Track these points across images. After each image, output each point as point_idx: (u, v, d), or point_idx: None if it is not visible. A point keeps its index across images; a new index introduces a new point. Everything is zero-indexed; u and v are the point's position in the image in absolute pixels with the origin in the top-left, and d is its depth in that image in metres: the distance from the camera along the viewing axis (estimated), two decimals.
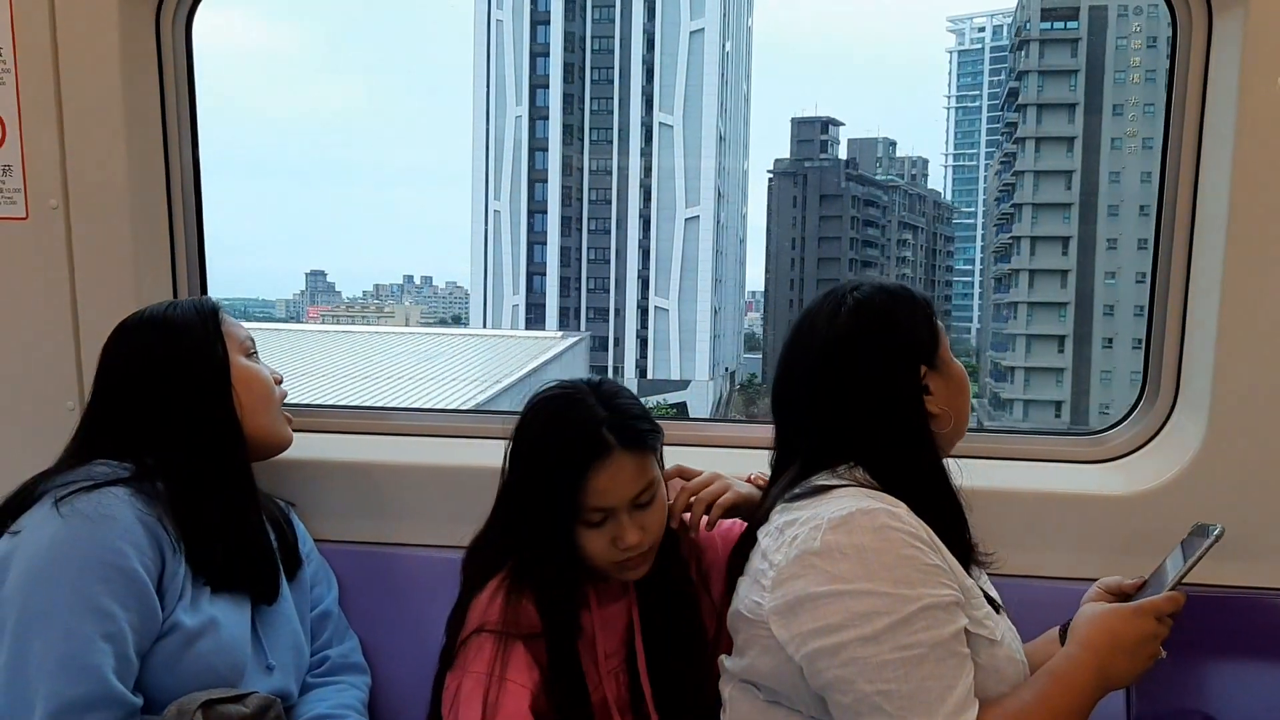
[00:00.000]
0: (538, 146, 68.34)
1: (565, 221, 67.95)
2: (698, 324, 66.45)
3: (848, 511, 1.52)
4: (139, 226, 2.32)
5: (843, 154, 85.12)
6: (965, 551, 1.63)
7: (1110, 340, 61.09)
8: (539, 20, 68.17)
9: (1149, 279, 2.25)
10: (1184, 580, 1.60)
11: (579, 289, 67.80)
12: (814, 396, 1.67)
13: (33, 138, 2.26)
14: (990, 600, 1.62)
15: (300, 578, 2.04)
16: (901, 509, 1.54)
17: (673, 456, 1.99)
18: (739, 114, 73.85)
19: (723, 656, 1.71)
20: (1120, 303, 61.12)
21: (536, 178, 68.37)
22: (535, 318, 67.62)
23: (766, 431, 1.93)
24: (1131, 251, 61.47)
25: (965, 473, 1.91)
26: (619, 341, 66.59)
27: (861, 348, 1.64)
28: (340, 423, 2.51)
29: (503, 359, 29.81)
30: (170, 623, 1.73)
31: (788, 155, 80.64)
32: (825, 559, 1.49)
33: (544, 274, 68.39)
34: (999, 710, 1.48)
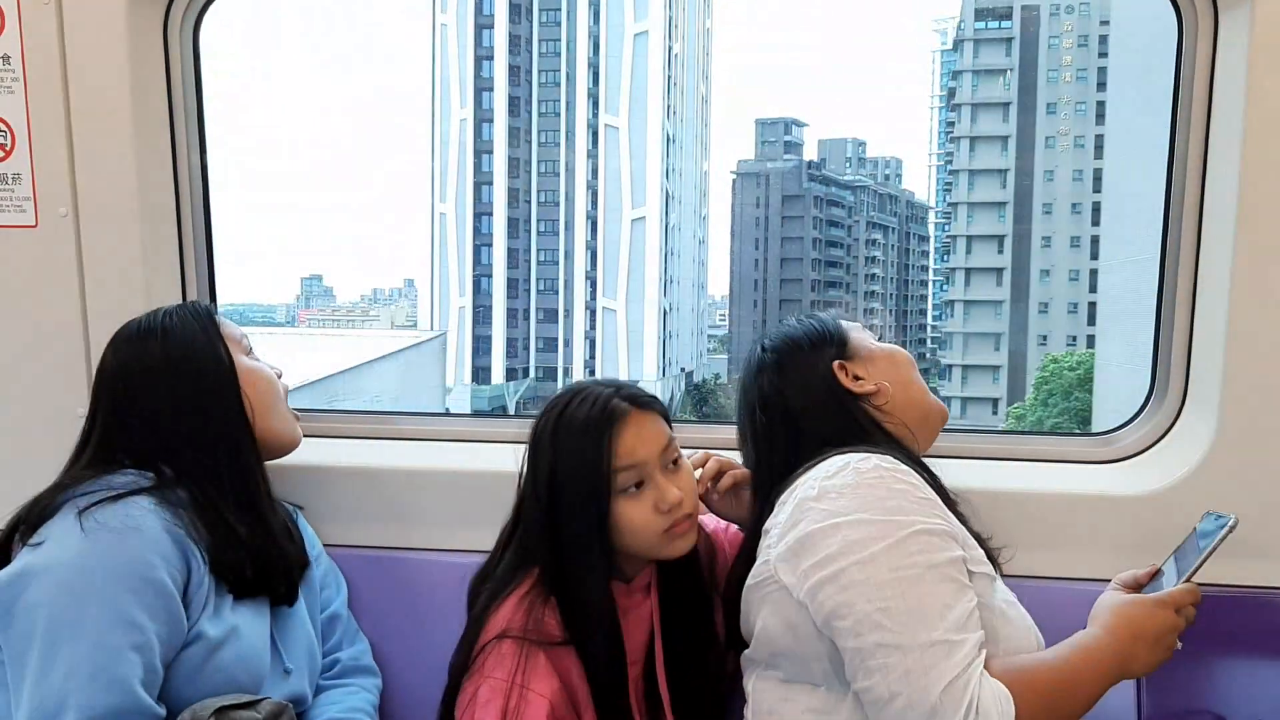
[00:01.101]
0: (484, 149, 67.99)
1: (513, 223, 67.68)
2: (645, 325, 66.46)
3: (843, 462, 1.60)
4: (148, 233, 2.31)
5: (814, 155, 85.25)
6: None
7: (1045, 338, 61.77)
8: (484, 24, 67.85)
9: (1157, 278, 2.23)
10: (1198, 573, 1.61)
11: (528, 290, 67.56)
12: (775, 447, 1.80)
13: (42, 145, 2.25)
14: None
15: (309, 579, 2.04)
16: (894, 459, 1.61)
17: None
18: (697, 115, 73.88)
19: (745, 653, 1.74)
20: (1055, 300, 61.82)
21: (482, 180, 68.04)
22: (482, 319, 67.25)
23: None
24: (1065, 249, 62.22)
25: (976, 475, 1.95)
26: (568, 342, 66.44)
27: (782, 389, 1.80)
28: (349, 427, 2.51)
29: (335, 358, 30.11)
30: (194, 632, 1.72)
31: (752, 157, 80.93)
32: (822, 500, 1.56)
33: (491, 276, 68.10)
34: (1021, 662, 1.51)
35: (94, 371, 2.29)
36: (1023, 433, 2.42)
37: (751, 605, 1.68)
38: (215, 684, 1.73)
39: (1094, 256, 60.24)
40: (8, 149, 2.25)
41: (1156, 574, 1.70)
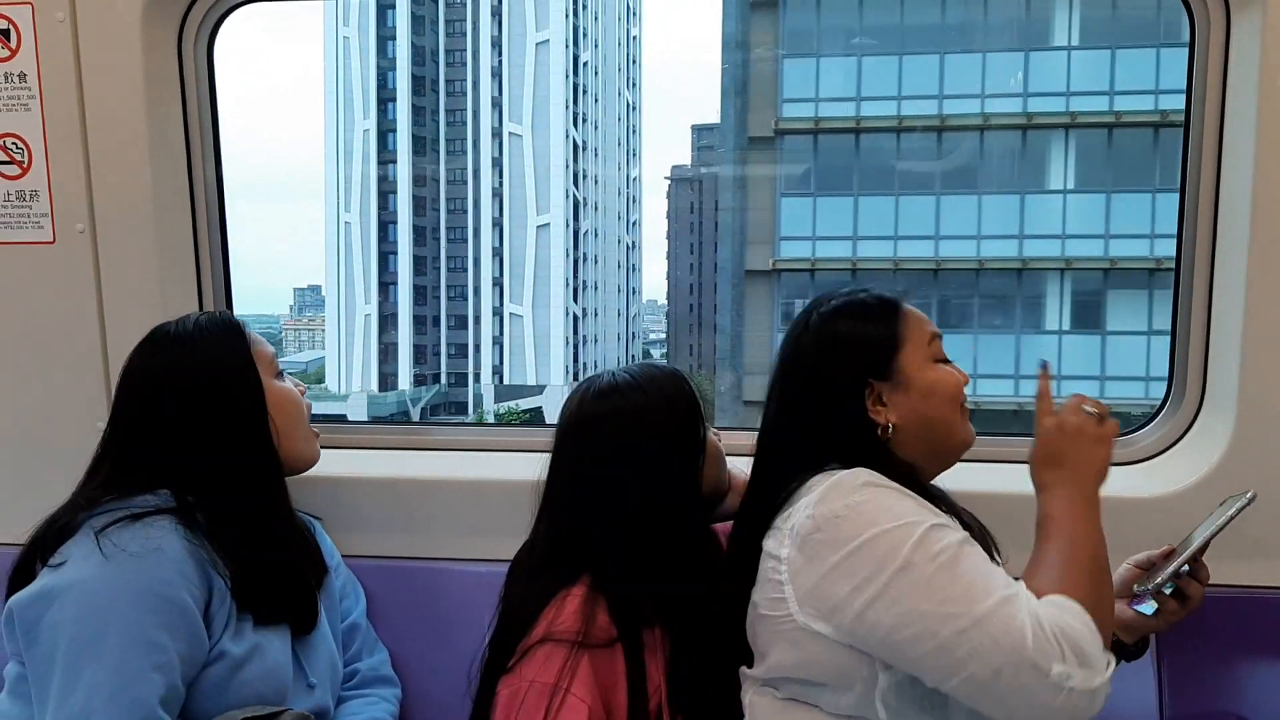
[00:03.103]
0: (388, 159, 66.98)
1: (420, 231, 66.71)
2: (551, 329, 66.00)
3: (828, 484, 1.59)
4: (165, 247, 2.28)
5: None
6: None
7: None
8: (387, 36, 66.91)
9: (1173, 279, 2.20)
10: (1210, 546, 1.64)
11: (437, 297, 66.66)
12: (776, 409, 1.78)
13: (58, 162, 2.22)
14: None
15: (329, 589, 2.03)
16: (880, 475, 1.61)
17: None
18: (619, 122, 73.39)
19: (743, 667, 1.74)
20: None
21: (388, 189, 66.99)
22: (390, 326, 66.16)
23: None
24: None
25: (992, 478, 1.96)
26: (479, 348, 65.69)
27: (807, 367, 1.74)
28: (368, 438, 2.50)
29: None
30: (217, 651, 1.72)
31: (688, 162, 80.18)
32: (826, 530, 1.54)
33: (397, 283, 67.06)
34: (1030, 575, 1.53)
35: (112, 386, 2.27)
36: None
37: (761, 633, 1.67)
38: (239, 701, 1.73)
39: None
40: (24, 166, 2.21)
41: (1170, 552, 1.72)
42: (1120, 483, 2.12)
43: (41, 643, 1.64)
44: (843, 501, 1.55)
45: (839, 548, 1.52)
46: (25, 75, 2.19)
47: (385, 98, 66.71)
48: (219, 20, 2.33)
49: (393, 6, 65.83)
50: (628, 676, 1.74)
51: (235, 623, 1.76)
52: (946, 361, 1.77)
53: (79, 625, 1.62)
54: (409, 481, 2.35)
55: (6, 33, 2.17)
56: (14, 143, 2.21)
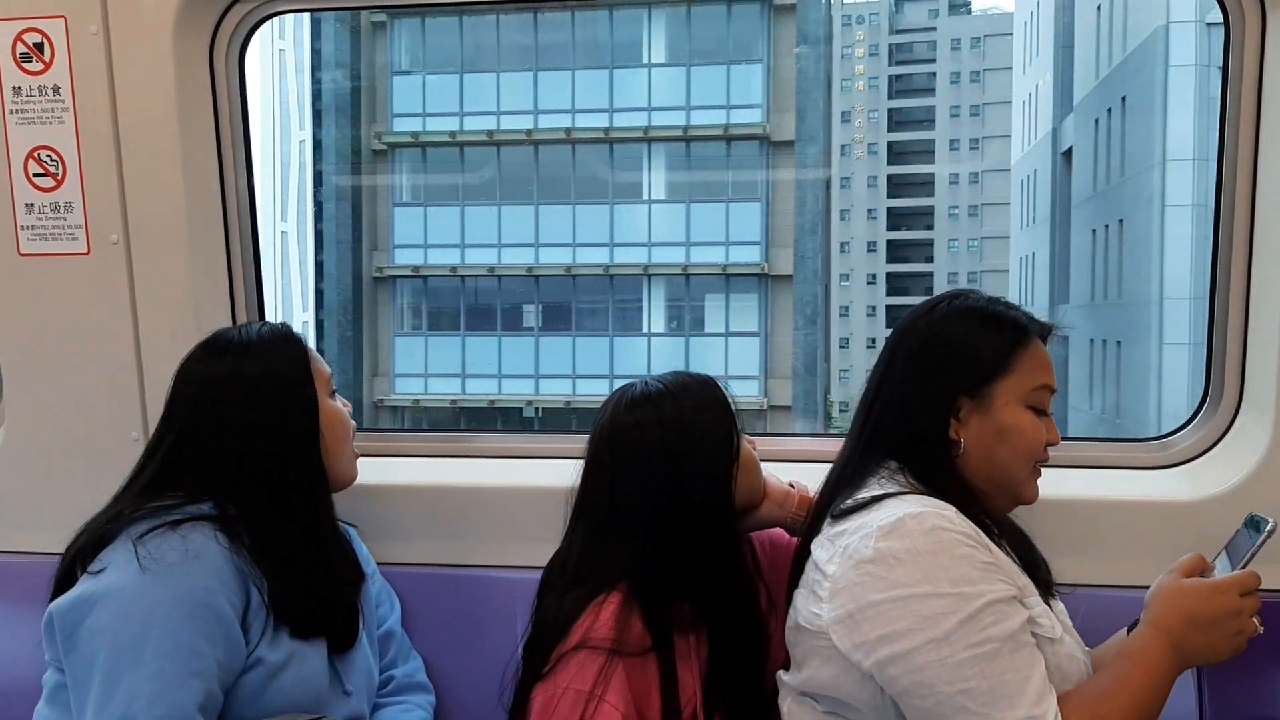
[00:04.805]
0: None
1: None
2: None
3: (896, 517, 1.47)
4: (198, 258, 2.21)
5: None
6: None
7: (846, 340, 62.43)
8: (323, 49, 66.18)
9: (1208, 280, 2.12)
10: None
11: None
12: (874, 382, 1.68)
13: (92, 174, 2.14)
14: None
15: (365, 593, 1.96)
16: (950, 510, 1.50)
17: None
18: None
19: (780, 672, 1.69)
20: (854, 304, 62.54)
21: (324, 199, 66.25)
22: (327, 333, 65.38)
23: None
24: (862, 254, 63.46)
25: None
26: None
27: (912, 351, 1.64)
28: (403, 445, 2.44)
29: None
30: (254, 658, 1.67)
31: None
32: (881, 566, 1.44)
33: None
34: (1079, 697, 1.43)
35: (146, 396, 2.20)
36: (1076, 439, 2.20)
37: (798, 643, 1.60)
38: (276, 708, 1.68)
39: (889, 260, 62.22)
40: (59, 178, 2.14)
41: (1208, 571, 1.60)
42: (1157, 486, 2.10)
43: (81, 648, 1.59)
44: (905, 544, 1.44)
45: (886, 589, 1.42)
46: (59, 88, 2.10)
47: (319, 109, 66.01)
48: (249, 32, 2.26)
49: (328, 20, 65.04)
50: (661, 685, 1.69)
51: (272, 631, 1.70)
52: (1045, 415, 1.63)
53: (119, 631, 1.57)
54: (442, 489, 2.28)
55: (40, 46, 2.09)
56: (48, 155, 2.13)
